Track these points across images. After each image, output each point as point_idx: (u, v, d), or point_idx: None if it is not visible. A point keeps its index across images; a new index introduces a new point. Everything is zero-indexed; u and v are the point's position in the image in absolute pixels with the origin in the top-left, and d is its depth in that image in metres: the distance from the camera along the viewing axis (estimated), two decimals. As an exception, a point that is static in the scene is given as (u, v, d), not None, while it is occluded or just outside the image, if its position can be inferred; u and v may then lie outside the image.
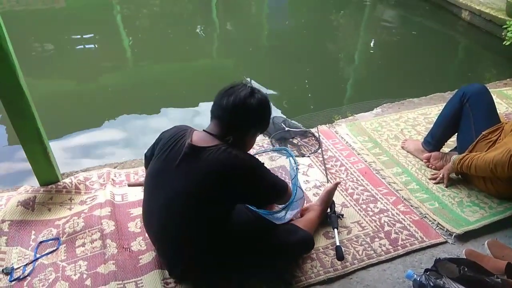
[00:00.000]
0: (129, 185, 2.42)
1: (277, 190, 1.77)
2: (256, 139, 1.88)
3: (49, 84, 4.33)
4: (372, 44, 5.90)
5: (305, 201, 2.19)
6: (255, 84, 4.10)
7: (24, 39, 5.23)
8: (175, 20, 6.52)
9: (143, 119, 3.84)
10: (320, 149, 2.80)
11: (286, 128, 2.93)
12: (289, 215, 1.93)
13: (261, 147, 2.81)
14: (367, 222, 2.25)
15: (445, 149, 2.73)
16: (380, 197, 2.43)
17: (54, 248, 2.01)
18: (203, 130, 1.71)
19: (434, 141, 2.66)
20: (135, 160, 2.69)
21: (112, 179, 2.44)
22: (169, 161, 1.66)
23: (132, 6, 6.77)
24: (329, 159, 2.74)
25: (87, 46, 5.41)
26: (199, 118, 3.81)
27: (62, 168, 2.47)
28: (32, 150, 2.17)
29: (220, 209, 1.67)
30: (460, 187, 2.52)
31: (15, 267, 1.90)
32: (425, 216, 2.30)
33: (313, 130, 3.00)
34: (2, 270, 1.88)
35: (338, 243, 2.02)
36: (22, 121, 2.07)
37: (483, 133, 2.38)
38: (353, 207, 2.35)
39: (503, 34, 4.75)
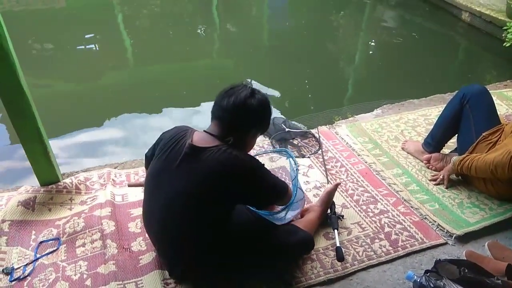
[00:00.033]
0: (129, 186, 2.42)
1: (277, 191, 1.77)
2: (256, 140, 1.88)
3: (49, 83, 4.33)
4: (372, 45, 5.90)
5: (306, 202, 2.19)
6: (255, 85, 4.11)
7: (25, 38, 5.24)
8: (176, 20, 6.52)
9: (144, 119, 3.84)
10: (320, 150, 2.80)
11: (287, 129, 2.93)
12: (290, 215, 1.93)
13: (262, 148, 2.81)
14: (367, 223, 2.25)
15: (445, 150, 2.73)
16: (380, 198, 2.43)
17: (55, 248, 2.01)
18: (204, 131, 1.71)
19: (434, 142, 2.66)
20: (136, 160, 2.69)
21: (113, 179, 2.44)
22: (169, 161, 1.66)
23: (132, 6, 6.78)
24: (329, 160, 2.74)
25: (87, 46, 5.41)
26: (199, 119, 3.82)
27: (63, 168, 2.47)
28: (32, 149, 2.17)
29: (220, 210, 1.67)
30: (461, 188, 2.52)
31: (15, 267, 1.90)
32: (425, 217, 2.30)
33: (313, 131, 3.00)
34: (3, 270, 1.88)
35: (338, 244, 2.02)
36: (22, 121, 2.07)
37: (483, 134, 2.38)
38: (353, 208, 2.35)
39: (503, 35, 4.75)
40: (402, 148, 2.85)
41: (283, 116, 3.39)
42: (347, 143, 2.90)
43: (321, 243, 2.10)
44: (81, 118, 3.74)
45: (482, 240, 2.18)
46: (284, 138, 2.91)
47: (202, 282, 1.85)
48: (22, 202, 2.16)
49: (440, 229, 2.24)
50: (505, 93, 3.62)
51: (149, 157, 1.86)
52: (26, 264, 1.92)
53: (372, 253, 2.07)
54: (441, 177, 2.53)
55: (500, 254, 2.03)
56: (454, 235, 2.19)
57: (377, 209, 2.35)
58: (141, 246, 2.03)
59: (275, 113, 3.49)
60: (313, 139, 2.93)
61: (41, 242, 2.03)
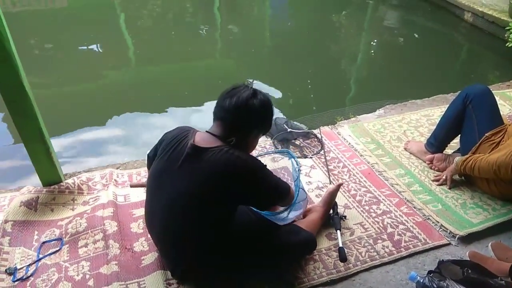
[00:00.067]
0: (131, 186, 2.42)
1: (279, 192, 1.77)
2: (258, 141, 1.88)
3: (51, 83, 4.33)
4: (374, 45, 5.90)
5: (308, 203, 2.18)
6: (258, 84, 4.11)
7: (27, 38, 5.25)
8: (177, 20, 6.53)
9: (145, 119, 3.84)
10: (323, 150, 2.80)
11: (288, 129, 2.92)
12: (292, 216, 1.93)
13: (264, 148, 2.80)
14: (370, 224, 2.24)
15: (448, 150, 2.72)
16: (383, 199, 2.42)
17: (57, 249, 2.01)
18: (206, 131, 1.71)
19: (437, 142, 2.65)
20: (138, 160, 2.69)
21: (115, 180, 2.44)
22: (171, 162, 1.66)
23: (134, 6, 6.79)
24: (331, 160, 2.73)
25: (89, 46, 5.41)
26: (201, 119, 3.81)
27: (65, 168, 2.48)
28: (34, 150, 2.17)
29: (222, 210, 1.67)
30: (464, 188, 2.51)
31: (18, 267, 1.90)
32: (428, 218, 2.30)
33: (316, 131, 3.00)
34: (5, 270, 1.88)
35: (341, 245, 2.02)
36: (24, 121, 2.07)
37: (486, 134, 2.38)
38: (356, 209, 2.34)
39: (505, 35, 4.74)
40: (405, 149, 2.84)
41: (285, 117, 3.39)
42: (349, 143, 2.90)
43: (323, 243, 2.10)
44: (82, 118, 3.74)
45: (486, 240, 2.17)
46: (286, 138, 2.91)
47: (204, 283, 1.85)
48: (24, 203, 2.17)
49: (443, 230, 2.23)
50: (508, 93, 3.61)
51: (151, 158, 1.86)
52: (29, 265, 1.92)
53: (375, 253, 2.07)
54: (444, 177, 2.52)
55: (504, 254, 2.03)
56: (457, 236, 2.18)
57: (380, 209, 2.34)
58: (143, 246, 2.03)
59: (277, 114, 3.49)
60: (315, 139, 2.93)
61: (43, 243, 2.03)
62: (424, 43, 5.77)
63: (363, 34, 6.27)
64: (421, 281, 1.81)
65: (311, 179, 2.57)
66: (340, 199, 2.35)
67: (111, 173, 2.48)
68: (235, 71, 5.09)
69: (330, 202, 2.20)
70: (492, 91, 2.51)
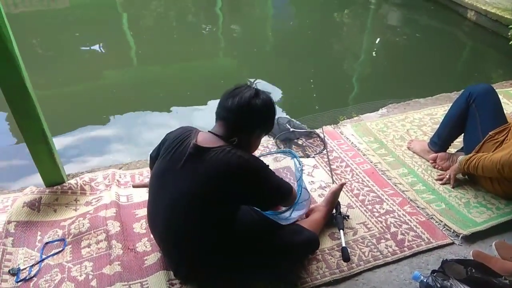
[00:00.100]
0: (133, 186, 2.42)
1: (282, 192, 1.77)
2: (261, 140, 1.88)
3: (53, 83, 4.34)
4: (377, 43, 5.88)
5: (311, 202, 2.18)
6: (261, 84, 4.11)
7: (29, 38, 5.26)
8: (180, 20, 6.54)
9: (148, 119, 3.84)
10: (325, 150, 2.79)
11: (291, 129, 2.92)
12: (295, 215, 1.93)
13: (266, 148, 2.80)
14: (373, 223, 2.24)
15: (452, 149, 2.71)
16: (386, 198, 2.41)
17: (60, 249, 2.01)
18: (208, 131, 1.71)
19: (440, 141, 2.64)
20: (140, 161, 2.69)
21: (117, 180, 2.44)
22: (174, 162, 1.66)
23: (136, 6, 6.80)
24: (334, 160, 2.73)
25: (91, 46, 5.42)
26: (203, 119, 3.81)
27: (67, 168, 2.48)
28: (37, 150, 2.17)
29: (225, 210, 1.67)
30: (467, 187, 2.50)
31: (21, 268, 1.91)
32: (432, 217, 2.29)
33: (318, 130, 2.99)
34: (9, 271, 1.89)
35: (344, 244, 2.01)
36: (27, 122, 2.07)
37: (490, 133, 2.37)
38: (359, 208, 2.34)
39: (509, 34, 4.72)
40: (408, 148, 2.83)
41: (287, 116, 3.39)
42: (352, 143, 2.89)
43: (326, 243, 2.10)
44: (85, 118, 3.74)
45: (489, 240, 2.16)
46: (289, 138, 2.90)
47: (207, 283, 1.85)
48: (27, 203, 2.17)
49: (447, 229, 2.22)
50: (511, 91, 3.59)
51: (154, 158, 1.86)
52: (32, 265, 1.93)
53: (378, 253, 2.06)
54: (447, 176, 2.52)
55: (508, 254, 2.02)
56: (461, 235, 2.17)
57: (383, 209, 2.34)
58: (146, 246, 2.03)
59: (280, 113, 3.48)
60: (318, 139, 2.92)
61: (46, 243, 2.04)
62: (427, 41, 5.75)
63: (366, 33, 6.26)
64: (425, 280, 1.81)
65: (313, 178, 2.57)
66: (343, 199, 2.35)
67: (114, 173, 2.48)
68: (237, 71, 5.09)
69: (333, 201, 2.20)
70: (496, 90, 2.50)
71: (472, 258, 2.01)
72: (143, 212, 2.20)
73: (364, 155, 2.78)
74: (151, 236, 1.96)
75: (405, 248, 2.09)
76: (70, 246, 2.03)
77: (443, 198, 2.42)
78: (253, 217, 1.89)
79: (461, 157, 2.42)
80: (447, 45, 5.59)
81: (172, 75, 4.83)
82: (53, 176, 2.29)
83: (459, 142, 2.66)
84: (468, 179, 2.55)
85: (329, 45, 5.78)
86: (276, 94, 4.19)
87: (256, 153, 2.23)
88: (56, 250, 2.00)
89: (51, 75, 4.49)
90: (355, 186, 2.50)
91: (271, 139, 2.89)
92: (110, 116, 3.81)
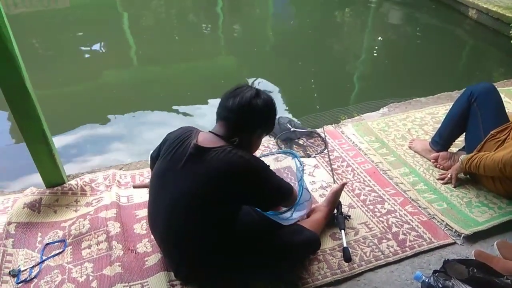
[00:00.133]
0: (134, 187, 2.42)
1: (282, 192, 1.76)
2: (262, 140, 1.87)
3: (54, 83, 4.35)
4: (377, 42, 5.87)
5: (312, 203, 2.17)
6: (263, 84, 4.10)
7: (29, 39, 5.26)
8: (180, 20, 6.54)
9: (148, 119, 3.84)
10: (326, 150, 2.79)
11: (292, 129, 2.91)
12: (296, 216, 1.92)
13: (267, 148, 2.80)
14: (374, 223, 2.23)
15: (453, 149, 2.70)
16: (387, 198, 2.41)
17: (60, 250, 2.01)
18: (209, 131, 1.71)
19: (442, 140, 2.63)
20: (141, 161, 2.69)
21: (118, 181, 2.44)
22: (174, 162, 1.66)
23: (137, 6, 6.81)
24: (335, 159, 2.72)
25: (91, 46, 5.42)
26: (204, 119, 3.81)
27: (67, 168, 2.47)
28: (37, 151, 2.17)
29: (225, 210, 1.66)
30: (469, 187, 2.49)
31: (21, 269, 1.90)
32: (433, 217, 2.28)
33: (319, 130, 2.98)
34: (9, 272, 1.88)
35: (345, 245, 2.00)
36: (27, 122, 2.07)
37: (492, 132, 2.36)
38: (360, 208, 2.33)
39: (511, 32, 4.71)
40: (409, 147, 2.82)
41: (288, 116, 3.38)
42: (353, 142, 2.88)
43: (327, 243, 2.09)
44: (85, 118, 3.74)
45: (491, 239, 2.15)
46: (290, 137, 2.89)
47: (207, 283, 1.84)
48: (28, 204, 2.17)
49: (449, 229, 2.21)
50: (513, 90, 3.59)
51: (155, 158, 1.86)
52: (33, 266, 1.92)
53: (380, 253, 2.05)
54: (449, 176, 2.51)
55: (510, 253, 2.01)
56: (463, 235, 2.16)
57: (384, 209, 2.33)
58: (146, 247, 2.02)
59: (281, 113, 3.48)
60: (319, 138, 2.92)
61: (47, 244, 2.03)
62: (428, 40, 5.74)
63: (367, 32, 6.25)
64: (427, 280, 1.80)
65: (314, 178, 2.56)
66: (344, 199, 2.34)
67: (114, 174, 2.48)
68: (238, 71, 5.09)
69: (334, 201, 2.19)
70: (497, 89, 2.49)
71: (474, 258, 2.00)
72: (143, 212, 2.19)
73: (365, 154, 2.77)
74: (152, 237, 1.96)
75: (407, 248, 2.08)
76: (71, 247, 2.02)
77: (444, 198, 2.41)
78: (253, 217, 1.89)
79: (463, 156, 2.41)
80: (448, 44, 5.58)
81: (172, 75, 4.82)
82: (53, 177, 2.29)
83: (460, 141, 2.65)
84: (469, 179, 2.54)
85: (330, 44, 5.77)
86: (277, 93, 4.19)
87: (257, 153, 2.23)
88: (57, 251, 2.00)
89: (51, 75, 4.50)
90: (356, 186, 2.49)
91: (272, 139, 2.89)
92: (110, 116, 3.81)
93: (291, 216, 1.88)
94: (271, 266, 1.85)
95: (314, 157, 2.74)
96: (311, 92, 4.48)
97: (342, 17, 6.82)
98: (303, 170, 2.00)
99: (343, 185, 2.25)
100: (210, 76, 4.73)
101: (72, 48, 5.25)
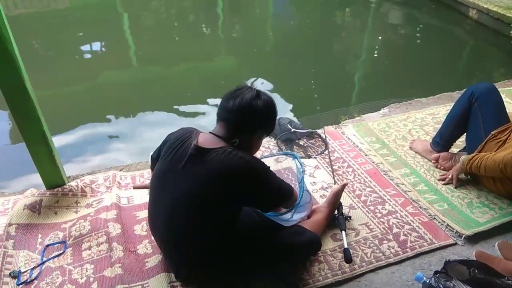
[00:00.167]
0: (134, 188, 2.41)
1: (282, 193, 1.76)
2: (262, 141, 1.87)
3: (54, 84, 4.35)
4: (378, 43, 5.87)
5: (312, 205, 2.16)
6: (264, 85, 4.09)
7: (29, 39, 5.27)
8: (180, 20, 6.54)
9: (148, 120, 3.84)
10: (327, 150, 2.78)
11: (292, 129, 2.91)
12: (296, 217, 1.91)
13: (267, 149, 2.79)
14: (375, 224, 2.23)
15: (454, 149, 2.70)
16: (388, 199, 2.40)
17: (61, 252, 2.00)
18: (209, 132, 1.71)
19: (442, 141, 2.63)
20: (141, 162, 2.69)
21: (118, 182, 2.44)
22: (175, 162, 1.66)
23: (136, 7, 6.81)
24: (336, 160, 2.72)
25: (91, 46, 5.43)
26: (204, 119, 3.81)
27: (67, 168, 2.47)
28: (37, 152, 2.17)
29: (226, 211, 1.66)
30: (470, 188, 2.49)
31: (22, 270, 1.90)
32: (434, 218, 2.28)
33: (320, 131, 2.98)
34: (10, 273, 1.88)
35: (346, 246, 2.00)
36: (27, 123, 2.07)
37: (492, 132, 2.35)
38: (361, 209, 2.33)
39: (511, 32, 4.70)
40: (410, 148, 2.82)
41: (288, 117, 3.38)
42: (354, 143, 2.88)
43: (328, 244, 2.09)
44: (84, 119, 3.74)
45: (492, 240, 2.15)
46: (290, 138, 2.89)
47: (208, 284, 1.84)
48: (28, 206, 2.16)
49: (449, 230, 2.21)
50: (513, 90, 3.58)
51: (155, 159, 1.86)
52: (33, 268, 1.92)
53: (381, 254, 2.05)
54: (450, 176, 2.50)
55: (511, 254, 2.01)
56: (464, 235, 2.16)
57: (385, 209, 2.33)
58: (147, 249, 2.02)
59: (281, 113, 3.48)
60: (319, 139, 2.91)
61: (47, 246, 2.03)
62: (429, 40, 5.74)
63: (367, 32, 6.25)
64: (427, 281, 1.79)
65: (315, 179, 2.56)
66: (345, 200, 2.34)
67: (114, 175, 2.47)
68: (238, 71, 5.09)
69: (334, 202, 2.19)
70: (498, 89, 2.48)
71: (475, 259, 1.99)
72: (144, 214, 2.19)
73: (366, 155, 2.77)
74: (152, 238, 1.95)
75: (408, 249, 2.08)
76: (71, 248, 2.02)
77: (445, 198, 2.40)
78: (254, 218, 1.88)
79: (464, 157, 2.40)
80: (449, 44, 5.58)
81: (172, 75, 4.82)
82: (53, 178, 2.29)
83: (461, 141, 2.65)
84: (470, 179, 2.54)
85: (330, 44, 5.77)
86: (277, 94, 4.18)
87: (258, 154, 2.22)
88: (57, 253, 2.00)
89: (51, 75, 4.50)
90: (357, 187, 2.49)
91: (272, 139, 2.88)
92: (110, 116, 3.82)
93: (292, 217, 1.87)
94: (272, 267, 1.84)
95: (315, 157, 2.74)
96: (311, 93, 4.48)
97: (342, 17, 6.82)
98: (303, 171, 1.99)
99: (344, 186, 2.25)
100: (210, 77, 4.73)
101: (72, 48, 5.25)
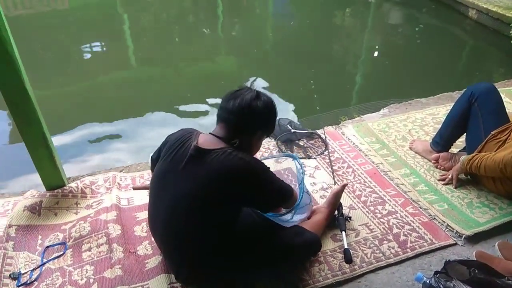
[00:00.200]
0: (134, 188, 2.41)
1: (282, 194, 1.76)
2: (262, 142, 1.87)
3: (53, 85, 4.36)
4: (377, 43, 5.87)
5: (312, 207, 2.16)
6: (262, 82, 4.08)
7: (29, 40, 5.26)
8: (180, 21, 6.54)
9: (148, 121, 3.84)
10: (327, 151, 2.78)
11: (292, 130, 2.91)
12: (296, 219, 1.91)
13: (267, 149, 2.79)
14: (375, 225, 2.22)
15: (454, 149, 2.70)
16: (388, 199, 2.40)
17: (61, 253, 2.00)
18: (209, 133, 1.71)
19: (442, 141, 2.63)
20: (141, 163, 2.69)
21: (118, 183, 2.44)
22: (175, 163, 1.66)
23: (136, 8, 6.81)
24: (336, 160, 2.72)
25: (91, 47, 5.43)
26: (204, 120, 3.81)
27: (67, 172, 2.47)
28: (37, 154, 2.17)
29: (226, 212, 1.66)
30: (470, 188, 2.48)
31: (22, 272, 1.90)
32: (434, 218, 2.28)
33: (320, 131, 2.98)
34: (10, 275, 1.88)
35: (346, 246, 2.00)
36: (27, 125, 2.07)
37: (492, 132, 2.35)
38: (361, 209, 2.33)
39: (511, 32, 4.71)
40: (410, 148, 2.82)
41: (288, 117, 3.37)
42: (353, 143, 2.88)
43: (328, 245, 2.08)
44: (84, 119, 3.74)
45: (492, 240, 2.15)
46: (290, 139, 2.89)
47: (208, 285, 1.84)
48: (28, 207, 2.16)
49: (450, 230, 2.21)
50: (513, 90, 3.58)
51: (155, 160, 1.86)
52: (33, 269, 1.92)
53: (381, 254, 2.05)
54: (449, 176, 2.50)
55: (511, 254, 2.01)
56: (464, 236, 2.16)
57: (385, 210, 2.32)
58: (147, 250, 2.02)
59: (281, 114, 3.48)
60: (319, 139, 2.91)
61: (47, 247, 2.03)
62: (428, 40, 5.74)
63: (367, 33, 6.25)
64: (428, 282, 1.79)
65: (315, 180, 2.56)
66: (345, 200, 2.34)
67: (114, 176, 2.48)
68: (238, 72, 5.09)
69: (334, 203, 2.18)
70: (498, 89, 2.48)
71: (475, 259, 1.99)
72: (144, 215, 2.19)
73: (365, 155, 2.77)
74: (152, 239, 1.95)
75: (408, 249, 2.08)
76: (71, 249, 2.02)
77: (445, 199, 2.40)
78: (254, 218, 1.89)
79: (464, 157, 2.40)
80: (449, 44, 5.58)
81: (172, 76, 4.83)
82: (53, 180, 2.29)
83: (461, 141, 2.64)
84: (470, 179, 2.54)
85: (330, 45, 5.77)
86: (276, 94, 4.18)
87: (258, 155, 2.22)
88: (57, 254, 2.00)
89: (51, 75, 4.52)
90: (357, 187, 2.49)
91: (272, 140, 2.88)
92: (110, 117, 3.82)
93: (292, 218, 1.87)
94: (272, 267, 1.84)
95: (315, 158, 2.74)
96: (311, 93, 4.48)
97: (342, 17, 6.82)
98: (303, 173, 2.00)
99: (344, 186, 2.25)
100: (210, 77, 4.73)
101: (72, 48, 5.26)
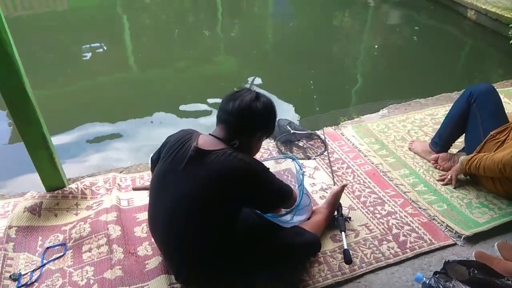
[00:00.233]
0: (134, 189, 2.41)
1: (282, 195, 1.76)
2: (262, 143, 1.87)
3: (53, 85, 4.35)
4: (377, 44, 5.88)
5: (312, 208, 2.17)
6: (262, 85, 4.09)
7: (28, 41, 5.26)
8: (180, 23, 6.54)
9: (148, 122, 3.84)
10: (326, 152, 2.79)
11: (292, 131, 2.91)
12: (296, 220, 1.92)
13: (267, 150, 2.80)
14: (374, 225, 2.23)
15: (453, 150, 2.70)
16: (387, 199, 2.41)
17: (61, 254, 2.01)
18: (209, 134, 1.71)
19: (441, 142, 2.64)
20: (141, 164, 2.69)
21: (118, 184, 2.44)
22: (175, 164, 1.66)
23: (135, 9, 6.81)
24: (335, 161, 2.72)
25: (90, 48, 5.42)
26: (203, 121, 3.81)
27: (67, 173, 2.47)
28: (37, 155, 2.17)
29: (226, 213, 1.67)
30: (469, 188, 2.49)
31: (22, 273, 1.91)
32: (434, 218, 2.28)
33: (319, 132, 2.98)
34: (10, 276, 1.89)
35: (345, 246, 2.00)
36: (27, 127, 2.07)
37: (491, 133, 2.36)
38: (361, 210, 2.33)
39: (509, 33, 4.72)
40: (409, 148, 2.82)
41: (288, 118, 3.38)
42: (353, 144, 2.88)
43: (328, 245, 2.09)
44: (84, 120, 3.74)
45: (492, 240, 2.15)
46: (290, 140, 2.89)
47: (208, 285, 1.84)
48: (28, 208, 2.17)
49: (449, 230, 2.21)
50: (512, 91, 3.59)
51: (155, 161, 1.86)
52: (33, 270, 1.92)
53: (380, 255, 2.05)
54: (449, 177, 2.51)
55: (510, 254, 2.01)
56: (463, 236, 2.16)
57: (385, 210, 2.33)
58: (147, 250, 2.02)
59: (280, 115, 3.48)
60: (319, 140, 2.92)
61: (47, 248, 2.03)
62: (427, 41, 5.74)
63: (366, 33, 6.25)
64: (427, 282, 1.79)
65: (315, 180, 2.56)
66: (344, 201, 2.34)
67: (114, 177, 2.48)
68: (237, 73, 5.08)
69: (334, 203, 2.19)
70: (496, 89, 2.49)
71: (475, 259, 2.00)
72: (144, 216, 2.20)
73: (365, 156, 2.77)
74: (152, 240, 1.96)
75: (407, 250, 2.08)
76: (71, 250, 2.02)
77: (445, 199, 2.41)
78: (254, 219, 1.89)
79: (463, 158, 2.41)
80: (447, 45, 5.59)
81: (172, 77, 4.82)
82: (53, 181, 2.29)
83: (460, 142, 2.65)
84: (470, 180, 2.54)
85: (329, 45, 5.77)
86: (276, 95, 4.18)
87: (258, 156, 2.22)
88: (57, 255, 2.00)
89: (50, 76, 4.51)
90: (356, 188, 2.50)
91: (272, 141, 2.89)
92: (110, 117, 3.81)
93: (291, 219, 1.88)
94: (272, 268, 1.84)
95: (314, 159, 2.74)
96: (310, 94, 4.48)
97: (341, 18, 6.82)
98: (303, 174, 2.00)
99: (343, 187, 2.25)
100: (210, 77, 4.73)
101: (72, 49, 5.25)
